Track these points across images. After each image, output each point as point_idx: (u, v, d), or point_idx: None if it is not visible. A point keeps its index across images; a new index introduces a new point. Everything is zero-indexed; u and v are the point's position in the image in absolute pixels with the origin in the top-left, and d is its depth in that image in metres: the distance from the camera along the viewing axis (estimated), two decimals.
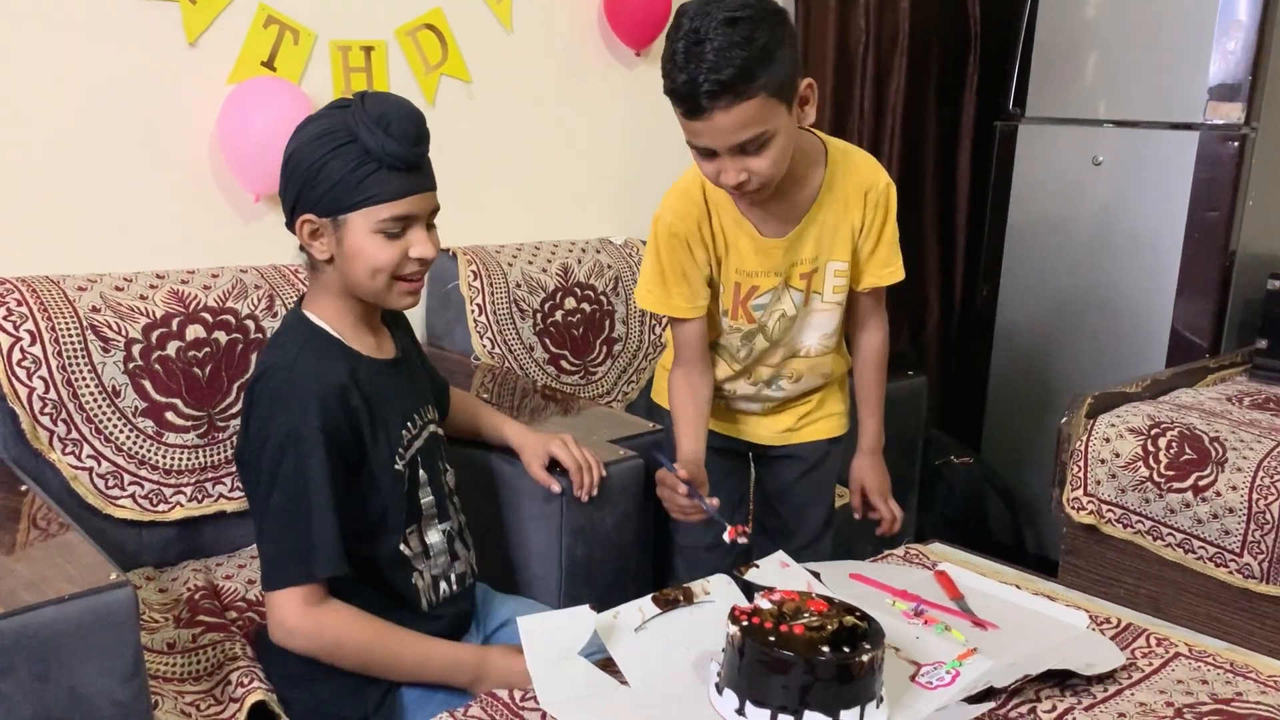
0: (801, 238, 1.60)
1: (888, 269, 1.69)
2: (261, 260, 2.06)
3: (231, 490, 1.82)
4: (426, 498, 1.43)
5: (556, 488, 1.60)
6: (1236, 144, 2.52)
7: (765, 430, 1.83)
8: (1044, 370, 2.91)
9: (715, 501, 1.54)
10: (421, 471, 1.42)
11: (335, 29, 2.22)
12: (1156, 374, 2.35)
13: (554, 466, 1.62)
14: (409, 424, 1.42)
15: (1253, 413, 2.16)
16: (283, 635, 1.30)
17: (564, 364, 2.45)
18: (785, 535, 1.86)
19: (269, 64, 2.14)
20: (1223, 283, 2.60)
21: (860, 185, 1.61)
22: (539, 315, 2.41)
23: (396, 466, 1.37)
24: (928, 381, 2.48)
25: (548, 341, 2.42)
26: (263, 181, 2.09)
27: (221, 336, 1.81)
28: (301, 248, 1.37)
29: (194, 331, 1.79)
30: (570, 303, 2.47)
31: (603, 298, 2.52)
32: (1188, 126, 2.59)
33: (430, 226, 1.37)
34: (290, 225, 1.35)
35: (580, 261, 2.51)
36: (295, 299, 1.92)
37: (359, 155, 1.27)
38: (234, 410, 1.81)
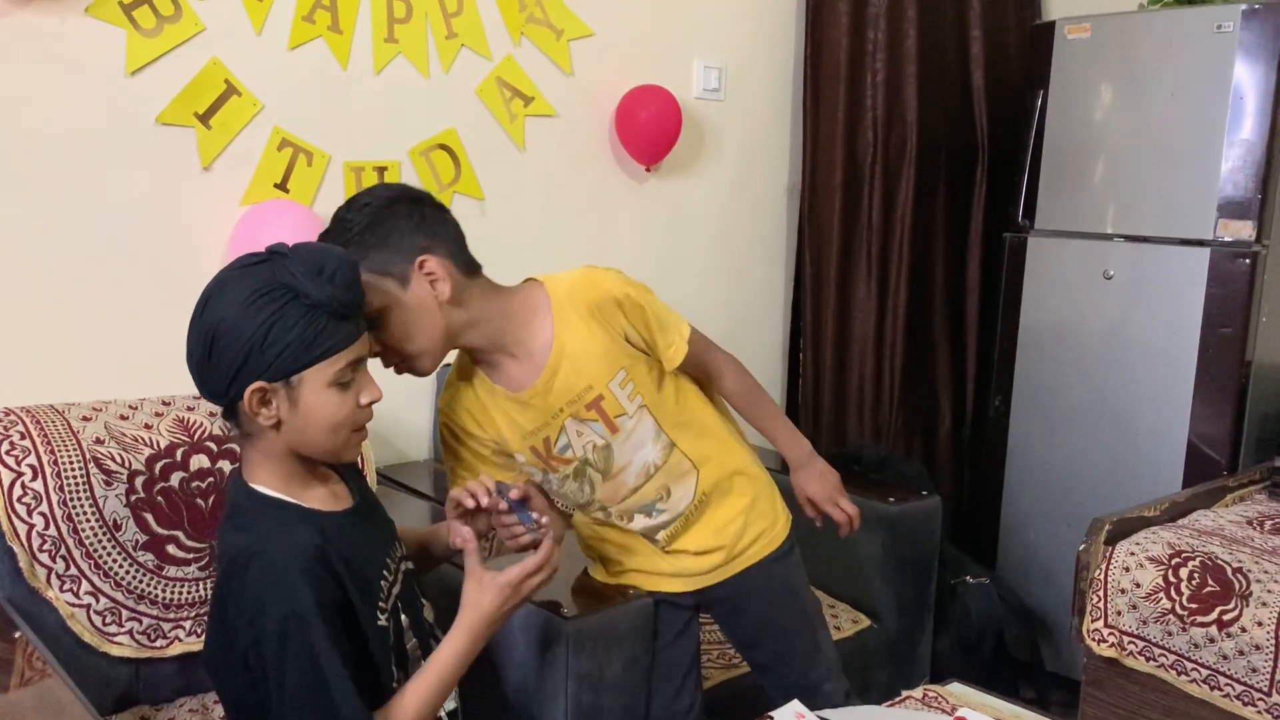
0: (556, 378, 1.52)
1: (671, 340, 1.59)
2: None
3: None
4: (410, 641, 1.38)
5: (462, 537, 1.41)
6: (1248, 261, 2.51)
7: (702, 568, 1.70)
8: (1059, 483, 2.86)
9: (542, 518, 1.48)
10: (403, 615, 1.38)
11: (349, 150, 2.24)
12: (1175, 496, 2.31)
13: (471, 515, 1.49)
14: (385, 572, 1.37)
15: (1275, 539, 2.11)
16: None
17: None
18: (782, 666, 1.77)
19: (282, 185, 2.16)
20: (1239, 398, 2.57)
21: (596, 304, 1.53)
22: None
23: (380, 621, 1.32)
24: (940, 497, 2.44)
25: None
26: None
27: (225, 465, 1.79)
28: (230, 417, 1.30)
29: (198, 461, 1.77)
30: None
31: None
32: (1199, 243, 2.58)
33: None
34: (227, 398, 1.26)
35: None
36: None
37: (306, 310, 1.23)
38: None
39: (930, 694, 1.67)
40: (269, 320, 1.22)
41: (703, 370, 1.70)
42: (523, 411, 1.55)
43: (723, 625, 1.83)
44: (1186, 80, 2.59)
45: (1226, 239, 2.54)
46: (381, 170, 2.29)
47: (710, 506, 1.68)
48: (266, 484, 1.31)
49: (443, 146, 2.38)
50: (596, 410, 1.56)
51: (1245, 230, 2.52)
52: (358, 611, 1.28)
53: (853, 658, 2.19)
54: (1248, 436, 2.61)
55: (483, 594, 1.36)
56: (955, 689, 1.70)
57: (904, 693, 1.68)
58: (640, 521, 1.67)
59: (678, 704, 1.75)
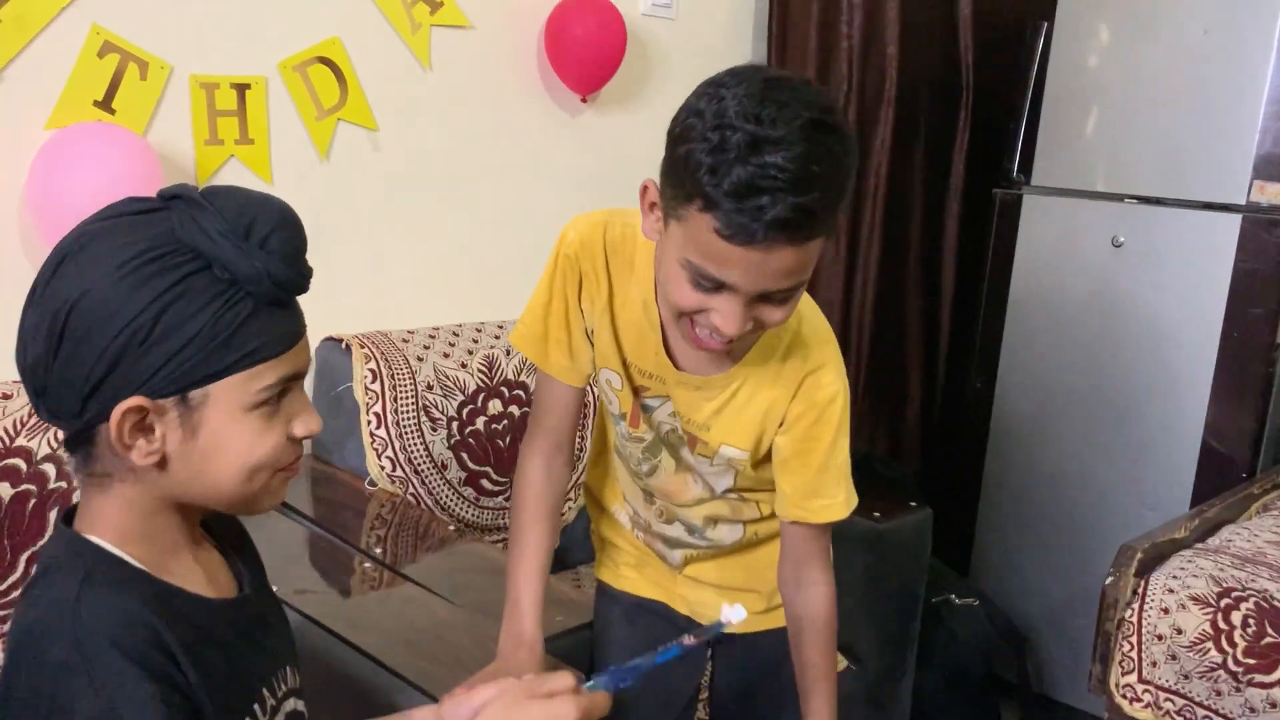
0: (701, 391, 1.17)
1: (819, 501, 1.19)
2: None
3: None
4: None
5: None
6: None
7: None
8: (1047, 479, 2.50)
9: None
10: None
11: (199, 61, 1.74)
12: (1203, 509, 1.96)
13: None
14: (256, 705, 0.88)
15: None
16: None
17: (484, 483, 1.97)
18: None
19: (105, 105, 1.65)
20: (1264, 390, 2.22)
21: (803, 366, 1.16)
22: (455, 424, 1.93)
23: None
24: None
25: (465, 457, 1.94)
26: None
27: (4, 490, 1.31)
28: (78, 447, 0.81)
29: None
30: (495, 406, 2.00)
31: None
32: (1227, 208, 2.21)
33: None
34: (80, 420, 0.79)
35: (509, 353, 2.04)
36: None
37: (221, 290, 0.78)
38: (16, 594, 1.31)
39: None
40: (160, 300, 0.76)
41: (807, 558, 1.24)
42: (655, 354, 1.16)
43: (716, 664, 1.46)
44: (1224, 14, 2.19)
45: (1262, 203, 2.17)
46: (242, 88, 1.78)
47: (757, 546, 1.34)
48: (110, 540, 0.82)
49: (324, 60, 1.87)
50: (690, 439, 1.22)
51: None
52: None
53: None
54: (1270, 432, 2.27)
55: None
56: None
57: None
58: (679, 530, 1.32)
59: None
